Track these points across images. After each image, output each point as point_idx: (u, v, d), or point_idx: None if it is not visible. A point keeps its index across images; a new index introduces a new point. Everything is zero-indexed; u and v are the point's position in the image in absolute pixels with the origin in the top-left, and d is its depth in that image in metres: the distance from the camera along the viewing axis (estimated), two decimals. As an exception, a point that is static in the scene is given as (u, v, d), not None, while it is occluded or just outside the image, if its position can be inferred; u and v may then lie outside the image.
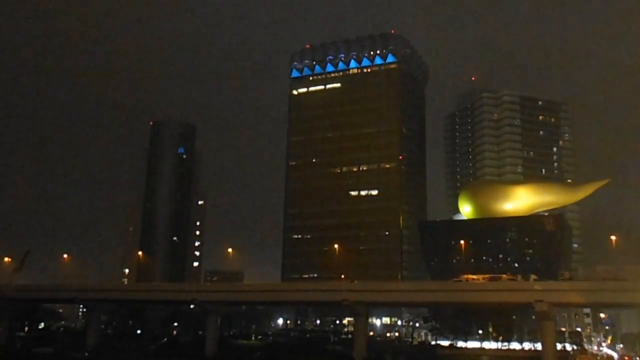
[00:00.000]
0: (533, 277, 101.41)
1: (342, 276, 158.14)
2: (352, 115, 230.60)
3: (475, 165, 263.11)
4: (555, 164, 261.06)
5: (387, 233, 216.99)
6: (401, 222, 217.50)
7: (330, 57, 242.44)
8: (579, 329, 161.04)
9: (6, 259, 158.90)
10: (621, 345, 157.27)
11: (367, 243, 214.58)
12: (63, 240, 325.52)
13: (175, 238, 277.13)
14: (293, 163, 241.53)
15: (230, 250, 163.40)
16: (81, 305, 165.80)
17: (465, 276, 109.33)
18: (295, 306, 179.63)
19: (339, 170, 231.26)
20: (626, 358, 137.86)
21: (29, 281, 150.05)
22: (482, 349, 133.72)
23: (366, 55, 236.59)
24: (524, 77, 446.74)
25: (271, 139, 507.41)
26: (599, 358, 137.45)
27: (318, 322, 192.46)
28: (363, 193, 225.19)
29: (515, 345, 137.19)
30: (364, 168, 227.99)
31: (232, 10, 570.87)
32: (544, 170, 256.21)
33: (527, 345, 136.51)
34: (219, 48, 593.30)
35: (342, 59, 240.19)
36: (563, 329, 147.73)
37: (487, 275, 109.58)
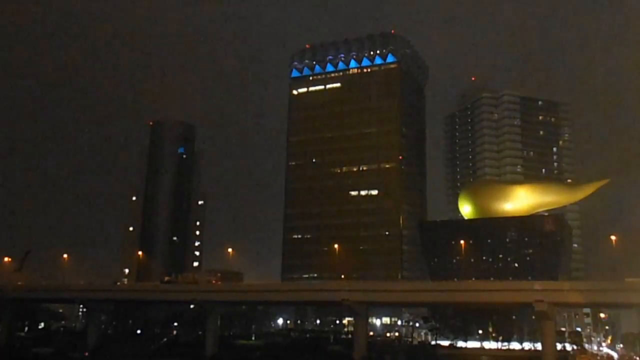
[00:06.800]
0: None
1: (342, 276, 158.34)
2: (352, 115, 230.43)
3: (475, 165, 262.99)
4: (555, 164, 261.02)
5: (387, 233, 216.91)
6: (401, 222, 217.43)
7: (330, 57, 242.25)
8: (579, 329, 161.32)
9: (6, 259, 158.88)
10: (621, 345, 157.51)
11: (367, 243, 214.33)
12: (63, 240, 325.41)
13: (175, 238, 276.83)
14: (293, 163, 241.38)
15: (230, 250, 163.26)
16: (81, 305, 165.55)
17: None
18: (295, 306, 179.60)
19: (339, 170, 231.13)
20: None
21: (29, 281, 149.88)
22: (482, 349, 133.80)
23: (366, 55, 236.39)
24: (524, 77, 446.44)
25: (271, 139, 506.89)
26: (599, 358, 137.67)
27: (318, 322, 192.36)
28: (363, 193, 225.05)
29: (515, 345, 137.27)
30: (364, 168, 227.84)
31: (232, 10, 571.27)
32: (544, 170, 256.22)
33: (527, 345, 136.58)
34: (219, 48, 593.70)
35: (342, 59, 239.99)
36: (563, 329, 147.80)
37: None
